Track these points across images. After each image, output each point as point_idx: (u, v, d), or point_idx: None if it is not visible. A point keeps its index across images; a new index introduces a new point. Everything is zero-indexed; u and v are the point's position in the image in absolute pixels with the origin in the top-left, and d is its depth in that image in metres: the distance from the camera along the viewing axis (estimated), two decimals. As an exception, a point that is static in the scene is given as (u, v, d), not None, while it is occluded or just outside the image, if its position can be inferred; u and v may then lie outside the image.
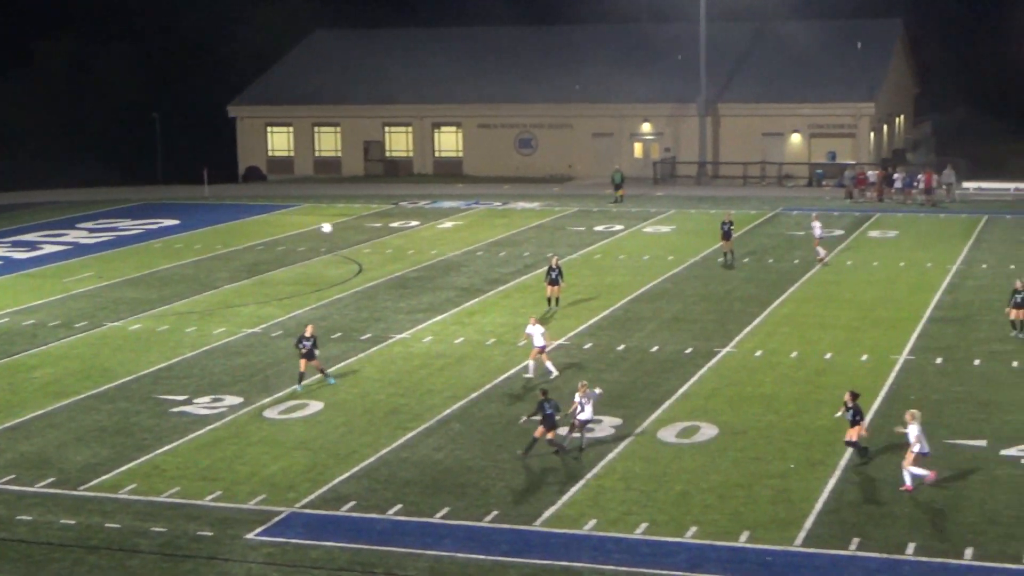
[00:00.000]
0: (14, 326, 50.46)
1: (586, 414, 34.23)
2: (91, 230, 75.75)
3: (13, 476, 33.45)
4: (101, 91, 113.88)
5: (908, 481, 30.88)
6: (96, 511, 30.89)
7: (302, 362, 40.64)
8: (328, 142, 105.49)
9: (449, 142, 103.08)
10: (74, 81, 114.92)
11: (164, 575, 27.26)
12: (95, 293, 56.62)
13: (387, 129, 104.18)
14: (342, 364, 43.42)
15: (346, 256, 64.52)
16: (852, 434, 32.67)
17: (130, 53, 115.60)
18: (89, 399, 40.30)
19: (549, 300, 50.59)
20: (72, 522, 30.23)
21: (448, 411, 38.08)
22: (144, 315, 51.76)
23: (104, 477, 33.22)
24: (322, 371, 41.23)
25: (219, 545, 28.63)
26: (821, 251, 59.73)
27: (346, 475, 32.88)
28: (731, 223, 60.76)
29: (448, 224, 75.03)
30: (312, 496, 31.45)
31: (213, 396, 40.13)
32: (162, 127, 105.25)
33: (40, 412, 39.02)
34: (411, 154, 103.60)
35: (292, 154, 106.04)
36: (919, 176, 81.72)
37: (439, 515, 30.01)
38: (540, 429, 33.46)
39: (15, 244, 71.06)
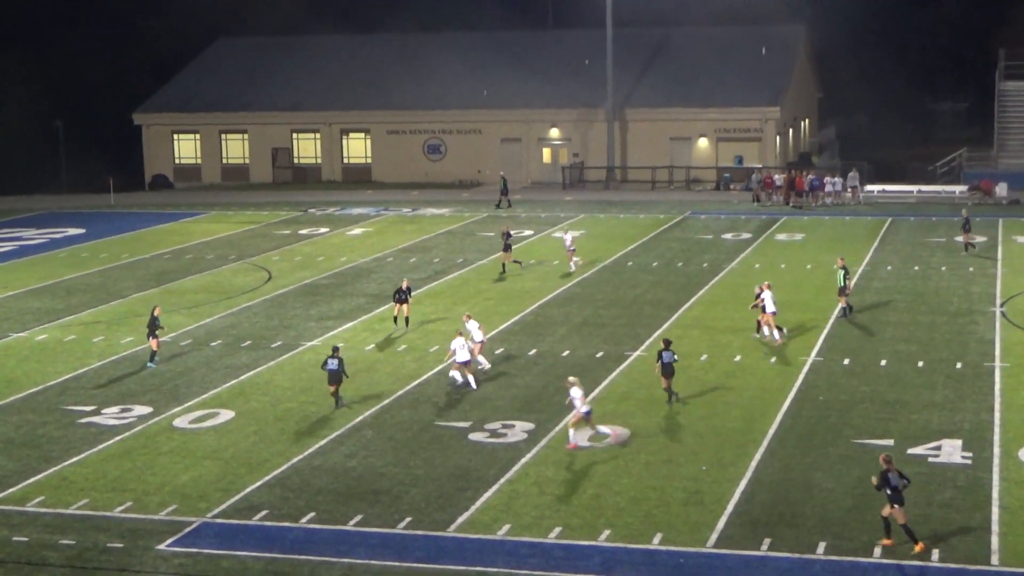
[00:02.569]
0: (-84, 338, 49.67)
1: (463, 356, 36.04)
2: (-6, 240, 74.75)
3: (-83, 490, 32.92)
4: (1, 98, 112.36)
5: (572, 439, 34.43)
6: (3, 524, 30.45)
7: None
8: (235, 149, 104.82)
9: (358, 148, 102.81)
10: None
11: (74, 588, 26.97)
12: (-1, 303, 55.89)
13: (295, 136, 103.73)
14: (252, 372, 43.16)
15: (255, 264, 64.14)
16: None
17: (29, 60, 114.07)
18: (-5, 411, 39.75)
19: (396, 319, 49.37)
20: (-21, 536, 29.80)
21: (360, 418, 37.96)
22: (50, 325, 51.12)
23: (11, 490, 32.75)
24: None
25: (130, 556, 28.35)
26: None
27: (258, 484, 32.68)
28: (510, 234, 61.06)
29: (357, 231, 74.83)
30: (224, 505, 31.22)
31: (122, 406, 39.70)
32: (66, 135, 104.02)
33: (-55, 425, 38.41)
34: (319, 161, 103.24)
35: (199, 162, 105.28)
36: (827, 179, 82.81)
37: (352, 522, 29.92)
38: None
39: (-84, 255, 69.93)
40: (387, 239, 70.98)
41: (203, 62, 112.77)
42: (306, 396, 40.36)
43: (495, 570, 27.12)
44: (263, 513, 30.66)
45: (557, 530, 29.13)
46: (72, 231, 77.29)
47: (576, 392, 34.74)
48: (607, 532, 28.95)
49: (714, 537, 28.55)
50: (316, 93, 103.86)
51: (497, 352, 45.14)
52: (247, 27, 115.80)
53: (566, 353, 44.74)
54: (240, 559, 28.02)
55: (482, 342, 42.60)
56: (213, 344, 47.19)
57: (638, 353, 44.66)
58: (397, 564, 27.55)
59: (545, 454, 34.42)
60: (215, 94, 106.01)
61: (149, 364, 44.45)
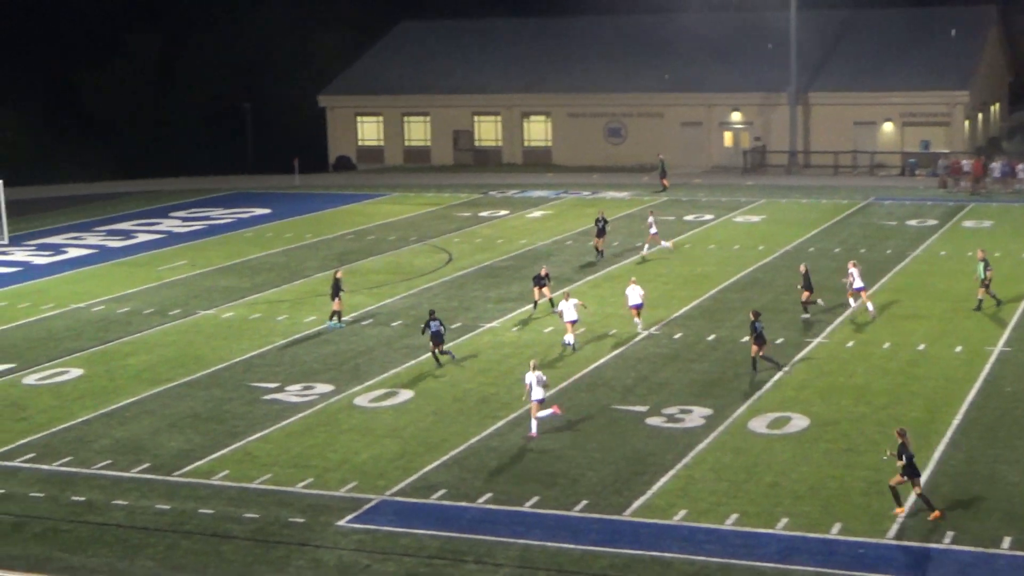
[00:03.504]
0: (109, 314, 51.14)
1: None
2: (184, 219, 76.57)
3: (109, 461, 33.93)
4: (192, 81, 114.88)
5: (534, 429, 34.86)
6: (190, 497, 31.26)
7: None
8: (418, 131, 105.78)
9: (538, 131, 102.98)
10: (166, 72, 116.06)
11: (256, 561, 27.54)
12: (188, 281, 57.25)
13: (476, 118, 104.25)
14: (430, 353, 43.55)
15: (436, 245, 64.74)
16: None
17: (220, 44, 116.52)
18: (182, 386, 40.77)
19: (536, 303, 49.38)
20: (167, 507, 30.61)
21: (537, 400, 38.06)
22: (236, 303, 52.23)
23: (198, 463, 33.60)
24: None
25: (310, 532, 28.88)
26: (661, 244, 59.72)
27: (436, 463, 33.03)
28: (605, 220, 60.29)
29: (537, 213, 75.01)
30: (402, 484, 31.61)
31: (304, 384, 40.43)
32: (253, 117, 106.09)
33: (135, 399, 39.55)
34: (500, 143, 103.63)
35: (382, 143, 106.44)
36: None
37: (529, 504, 30.06)
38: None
39: (110, 233, 71.99)
40: (566, 222, 71.03)
41: (387, 45, 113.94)
42: (484, 377, 40.63)
43: (671, 555, 27.03)
44: (441, 492, 30.96)
45: (734, 517, 28.92)
46: (258, 211, 78.85)
47: (531, 377, 35.10)
48: (785, 520, 28.65)
49: (894, 528, 28.07)
50: (498, 76, 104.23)
51: (675, 337, 44.93)
52: (430, 10, 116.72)
53: (745, 339, 44.27)
54: (417, 537, 28.35)
55: (574, 321, 43.42)
56: (394, 324, 47.76)
57: (819, 340, 44.05)
58: (573, 547, 27.62)
59: (723, 440, 34.18)
60: (398, 77, 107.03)
61: (332, 324, 46.68)
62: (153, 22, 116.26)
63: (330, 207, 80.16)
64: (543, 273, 49.34)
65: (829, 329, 45.43)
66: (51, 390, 40.86)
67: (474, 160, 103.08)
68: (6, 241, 69.06)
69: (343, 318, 47.91)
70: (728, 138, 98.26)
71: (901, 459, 28.52)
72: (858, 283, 46.73)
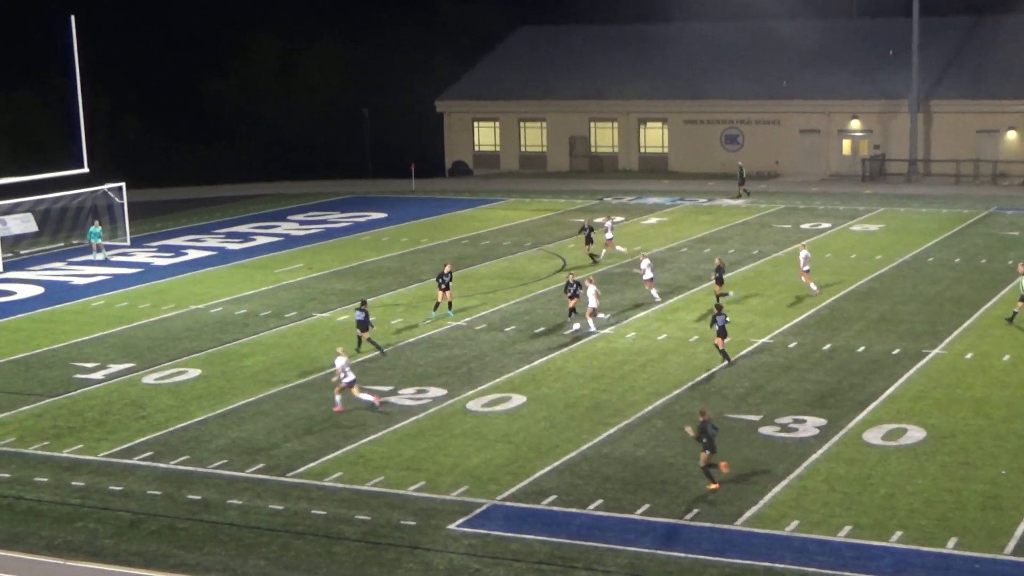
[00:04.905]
0: (227, 315, 51.83)
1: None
2: (302, 222, 77.38)
3: (225, 461, 34.38)
4: (311, 86, 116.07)
5: (337, 403, 38.13)
6: (303, 498, 31.57)
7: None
8: (534, 137, 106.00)
9: (655, 138, 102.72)
10: (286, 76, 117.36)
11: (367, 563, 27.73)
12: (304, 284, 57.84)
13: (593, 124, 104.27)
14: (544, 358, 43.63)
15: (550, 251, 64.78)
16: None
17: (340, 49, 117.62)
18: (298, 388, 41.20)
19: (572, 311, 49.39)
20: (280, 507, 30.94)
21: (650, 407, 37.99)
22: (351, 306, 52.59)
23: (311, 465, 33.93)
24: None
25: (422, 535, 29.03)
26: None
27: (547, 469, 33.04)
28: (590, 228, 61.68)
29: (652, 220, 74.79)
30: (513, 489, 31.67)
31: (418, 387, 40.65)
32: (372, 122, 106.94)
33: (251, 399, 40.03)
34: (616, 150, 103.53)
35: (498, 149, 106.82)
36: None
37: (640, 511, 29.97)
38: None
39: (229, 235, 72.98)
40: (682, 229, 70.75)
41: (505, 50, 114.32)
42: (597, 384, 40.58)
43: (782, 566, 26.80)
44: (551, 498, 30.97)
45: (847, 529, 28.60)
46: (375, 215, 79.44)
47: (340, 361, 38.04)
48: (899, 533, 28.27)
49: (1012, 544, 27.58)
50: (615, 82, 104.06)
51: (790, 346, 44.56)
52: (549, 15, 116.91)
53: (861, 349, 43.82)
54: (527, 543, 28.38)
55: (594, 308, 46.48)
56: (507, 329, 47.88)
57: (937, 351, 43.43)
58: (683, 555, 27.49)
59: (837, 451, 33.81)
60: (515, 82, 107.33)
61: (433, 313, 49.54)
62: (274, 27, 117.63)
63: (446, 212, 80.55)
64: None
65: (948, 340, 44.77)
66: (170, 390, 41.51)
67: (590, 166, 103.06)
68: (128, 242, 70.29)
69: (446, 311, 49.78)
70: (846, 146, 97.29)
71: (702, 439, 31.17)
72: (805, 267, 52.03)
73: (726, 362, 42.29)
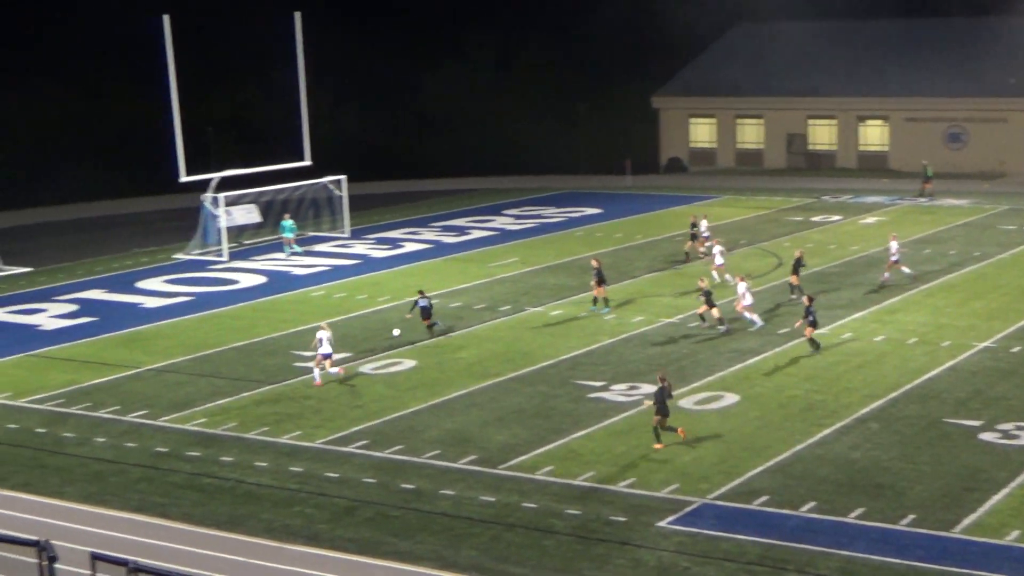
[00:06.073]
0: (442, 307, 52.44)
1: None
2: (517, 217, 77.94)
3: (438, 452, 34.82)
4: (527, 81, 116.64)
5: (318, 378, 41.38)
6: (514, 490, 31.81)
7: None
8: (750, 134, 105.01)
9: (874, 135, 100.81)
10: (502, 71, 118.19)
11: (577, 557, 27.81)
12: (518, 278, 58.25)
13: (811, 121, 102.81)
14: (758, 357, 43.22)
15: (766, 249, 64.11)
16: None
17: (556, 44, 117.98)
18: (510, 381, 41.51)
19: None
20: (491, 499, 31.23)
21: (865, 410, 37.33)
22: (564, 301, 52.86)
23: (523, 457, 34.16)
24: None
25: (631, 531, 29.00)
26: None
27: (759, 469, 32.72)
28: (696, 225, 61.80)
29: (871, 219, 73.44)
30: (724, 488, 31.44)
31: (629, 384, 40.63)
32: (587, 117, 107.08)
33: (464, 391, 40.48)
34: (835, 147, 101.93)
35: (714, 145, 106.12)
36: None
37: (853, 515, 29.48)
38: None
39: (445, 228, 73.89)
40: (901, 229, 69.14)
41: (721, 46, 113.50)
42: (811, 384, 40.04)
43: (1001, 576, 26.13)
44: (763, 499, 30.67)
45: (1071, 540, 27.75)
46: (589, 210, 79.60)
47: (324, 334, 41.38)
48: None
49: None
50: (833, 79, 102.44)
51: (1013, 351, 43.33)
52: (766, 12, 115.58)
53: (1089, 355, 42.42)
54: (738, 542, 28.15)
55: (751, 304, 46.98)
56: (720, 327, 47.50)
57: None
58: (897, 561, 26.95)
59: (1061, 460, 32.79)
60: (732, 79, 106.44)
61: (595, 308, 50.46)
62: (491, 22, 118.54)
63: (660, 208, 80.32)
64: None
65: None
66: (385, 380, 42.22)
67: (807, 164, 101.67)
68: (347, 234, 71.70)
69: (603, 306, 50.56)
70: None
71: (655, 401, 34.39)
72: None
73: (814, 350, 43.51)
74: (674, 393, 35.96)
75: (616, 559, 27.62)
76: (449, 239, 70.12)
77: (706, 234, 61.23)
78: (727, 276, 54.44)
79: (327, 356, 41.60)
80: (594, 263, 51.63)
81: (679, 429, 34.61)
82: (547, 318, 50.28)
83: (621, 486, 31.85)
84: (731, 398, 38.88)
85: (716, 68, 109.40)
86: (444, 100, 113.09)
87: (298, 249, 66.69)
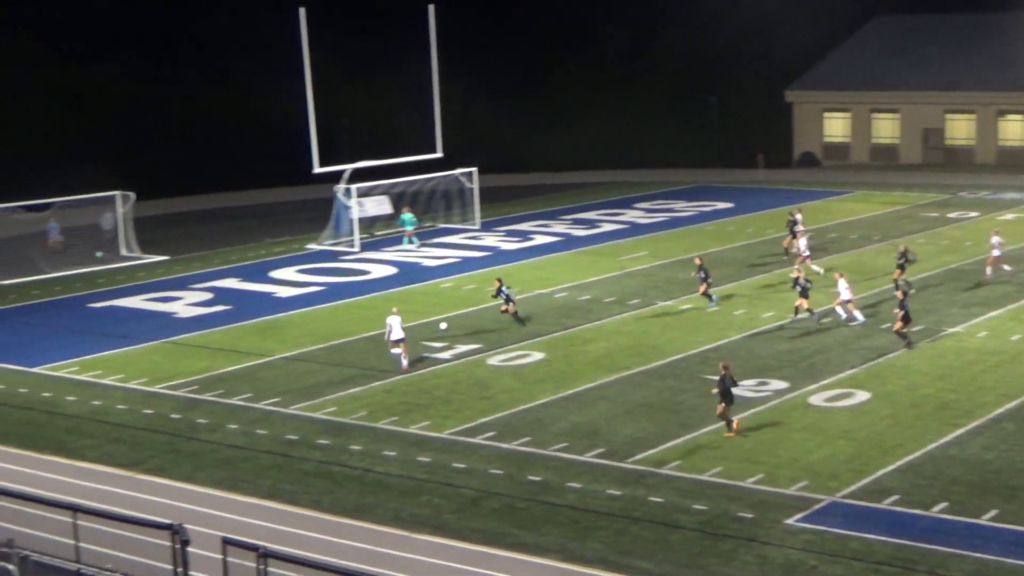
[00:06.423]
0: (571, 300, 52.50)
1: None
2: (647, 210, 77.69)
3: (565, 444, 34.86)
4: (659, 73, 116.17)
5: (404, 363, 42.60)
6: (641, 484, 31.74)
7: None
8: (885, 129, 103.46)
9: (1015, 131, 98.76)
10: (634, 63, 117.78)
11: (703, 552, 27.69)
12: (648, 272, 58.08)
13: (948, 116, 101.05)
14: (891, 355, 42.62)
15: (899, 245, 63.11)
16: None
17: (688, 36, 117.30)
18: (638, 375, 41.42)
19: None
20: (618, 493, 31.19)
21: (1000, 410, 36.65)
22: (694, 296, 52.55)
23: (649, 452, 34.07)
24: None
25: (758, 528, 28.80)
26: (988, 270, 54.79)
27: (890, 468, 32.29)
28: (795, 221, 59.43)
29: (1009, 216, 71.97)
30: (854, 487, 31.08)
31: (759, 379, 40.31)
32: (719, 110, 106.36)
33: (592, 384, 40.47)
34: (973, 142, 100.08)
35: (848, 140, 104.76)
36: None
37: (986, 517, 28.98)
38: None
39: (575, 222, 73.88)
40: (1040, 226, 67.92)
41: (857, 40, 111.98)
42: (944, 383, 39.41)
43: None
44: (894, 498, 30.26)
45: None
46: (721, 205, 79.08)
47: (394, 320, 42.48)
48: None
49: None
50: (972, 73, 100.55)
51: None
52: (904, 4, 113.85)
53: None
54: (867, 542, 27.81)
55: (850, 300, 46.82)
56: (852, 324, 46.93)
57: None
58: (1032, 565, 26.48)
59: None
60: (867, 72, 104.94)
61: (713, 303, 50.48)
62: (622, 15, 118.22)
63: (793, 203, 79.41)
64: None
65: None
66: (513, 372, 42.35)
67: (944, 159, 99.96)
68: (478, 226, 72.00)
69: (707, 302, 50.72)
70: None
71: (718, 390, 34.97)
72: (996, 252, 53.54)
73: (906, 346, 43.34)
74: (740, 382, 36.39)
75: (742, 555, 27.45)
76: (579, 232, 70.11)
77: (800, 229, 60.35)
78: (814, 267, 54.72)
79: (400, 340, 42.57)
80: (697, 261, 51.61)
81: (734, 422, 35.16)
82: (676, 312, 50.07)
83: (749, 482, 31.63)
84: (862, 395, 38.40)
85: (852, 62, 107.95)
86: (575, 93, 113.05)
87: (416, 242, 67.13)
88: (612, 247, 65.01)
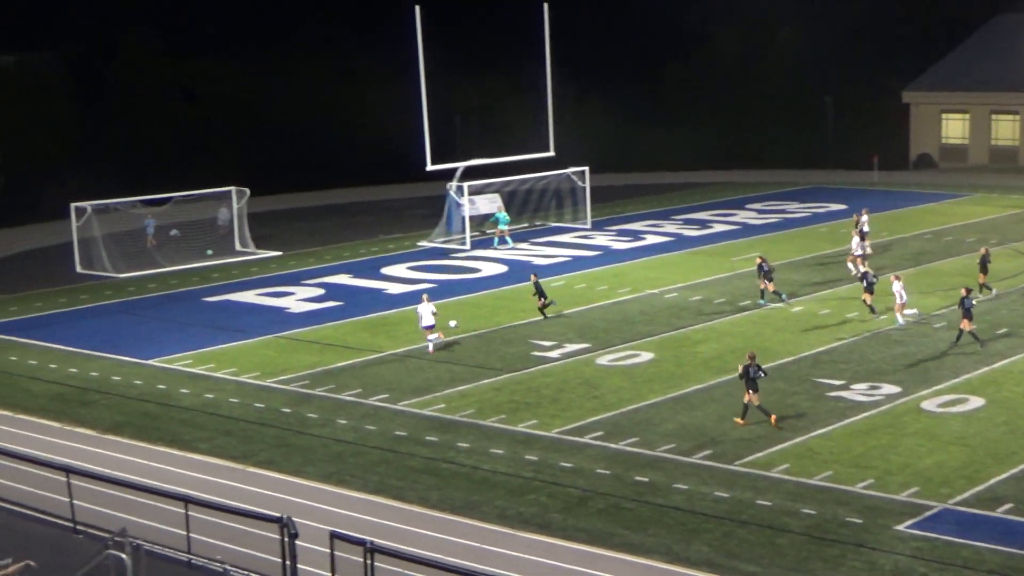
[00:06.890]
0: (681, 300, 52.29)
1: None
2: (759, 211, 77.15)
3: (673, 445, 34.73)
4: (773, 74, 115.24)
5: (431, 348, 44.86)
6: (748, 487, 31.53)
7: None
8: (1005, 130, 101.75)
9: None
10: (748, 64, 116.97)
11: (810, 557, 27.44)
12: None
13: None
14: (1006, 361, 41.93)
15: (1018, 249, 62.15)
16: None
17: (803, 36, 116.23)
18: (748, 377, 41.09)
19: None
20: (725, 495, 31.01)
21: (1119, 419, 35.90)
22: (806, 297, 52.12)
23: (758, 454, 33.83)
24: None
25: (867, 533, 28.48)
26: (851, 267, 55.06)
27: (1004, 475, 31.77)
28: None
29: None
30: (966, 494, 30.61)
31: (871, 383, 39.86)
32: (834, 111, 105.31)
33: (701, 386, 40.28)
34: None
35: (966, 142, 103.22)
36: None
37: (1103, 528, 28.43)
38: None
39: (687, 222, 73.57)
40: None
41: (978, 40, 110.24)
42: (1062, 390, 38.69)
43: None
44: (1007, 506, 29.78)
45: None
46: (834, 206, 78.30)
47: (424, 308, 44.48)
48: None
49: None
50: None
51: None
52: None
53: None
54: (978, 550, 27.39)
55: (903, 302, 46.41)
56: (896, 326, 46.32)
57: None
58: None
59: None
60: (988, 73, 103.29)
61: (762, 302, 50.83)
62: (737, 12, 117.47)
63: (908, 205, 78.52)
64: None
65: None
66: (622, 371, 42.26)
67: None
68: (589, 225, 71.96)
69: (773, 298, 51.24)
70: None
71: (743, 378, 35.75)
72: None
73: (979, 344, 43.29)
74: (767, 371, 37.01)
75: (851, 561, 27.16)
76: (691, 232, 69.80)
77: (866, 230, 59.43)
78: (860, 267, 53.95)
79: (429, 327, 44.63)
80: (758, 260, 51.79)
81: (772, 416, 35.85)
82: (788, 314, 49.66)
83: (858, 487, 31.28)
84: (976, 401, 37.82)
85: (972, 62, 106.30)
86: (688, 92, 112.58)
87: (509, 242, 67.18)
88: (724, 248, 64.65)
